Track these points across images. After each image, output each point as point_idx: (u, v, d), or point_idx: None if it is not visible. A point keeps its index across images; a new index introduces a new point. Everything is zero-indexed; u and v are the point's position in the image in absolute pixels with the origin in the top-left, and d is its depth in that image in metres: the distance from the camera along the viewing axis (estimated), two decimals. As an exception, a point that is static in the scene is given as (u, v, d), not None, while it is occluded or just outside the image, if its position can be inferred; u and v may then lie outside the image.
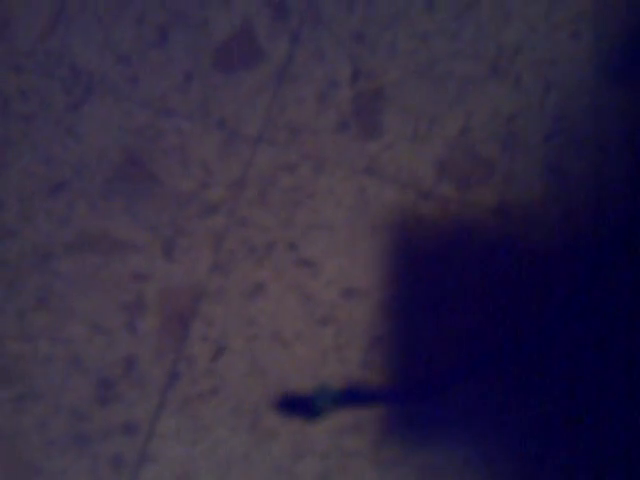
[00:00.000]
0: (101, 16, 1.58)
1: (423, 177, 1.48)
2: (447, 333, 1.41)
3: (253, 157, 1.49)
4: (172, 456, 1.35)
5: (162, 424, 1.36)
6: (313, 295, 1.43)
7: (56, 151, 1.50)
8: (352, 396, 1.36)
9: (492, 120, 1.51)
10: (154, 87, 1.54)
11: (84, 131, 1.51)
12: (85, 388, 1.37)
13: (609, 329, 1.40)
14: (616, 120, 1.51)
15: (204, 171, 1.48)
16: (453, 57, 1.55)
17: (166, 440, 1.35)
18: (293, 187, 1.48)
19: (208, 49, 1.56)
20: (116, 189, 1.48)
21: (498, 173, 1.48)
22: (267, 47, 1.56)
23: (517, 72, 1.54)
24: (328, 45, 1.56)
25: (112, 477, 1.33)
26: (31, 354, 1.38)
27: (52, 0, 1.59)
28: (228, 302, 1.42)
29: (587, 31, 1.58)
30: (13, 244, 1.44)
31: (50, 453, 1.34)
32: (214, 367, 1.39)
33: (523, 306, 1.42)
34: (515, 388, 1.38)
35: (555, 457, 1.35)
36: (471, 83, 1.53)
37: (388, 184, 1.48)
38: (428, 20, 1.58)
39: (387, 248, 1.45)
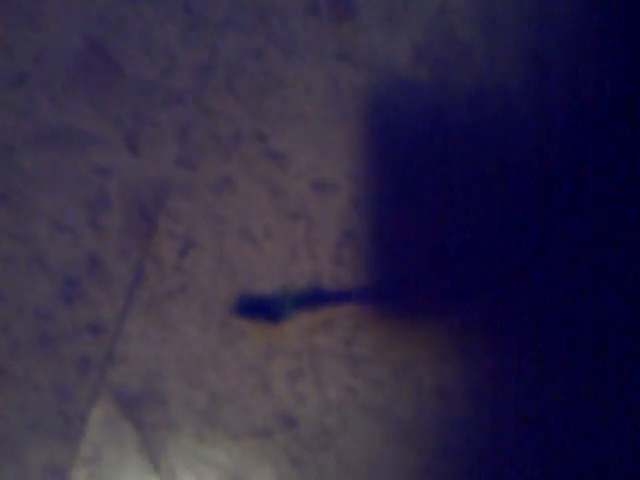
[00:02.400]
0: None
1: (398, 62, 1.41)
2: (419, 228, 1.35)
3: (219, 42, 1.42)
4: (140, 356, 1.31)
5: (129, 324, 1.32)
6: (283, 189, 1.37)
7: (16, 41, 1.43)
8: (318, 297, 1.31)
9: (470, 1, 1.43)
10: (114, -30, 1.45)
11: (45, 19, 1.44)
12: (48, 288, 1.33)
13: (592, 231, 1.35)
14: (593, 3, 1.42)
15: (168, 58, 1.41)
16: None
17: (133, 340, 1.32)
18: (261, 74, 1.41)
19: None
20: (78, 80, 1.41)
21: (476, 57, 1.41)
22: None
23: (495, -52, 1.45)
24: None
25: (78, 378, 1.30)
26: (-8, 253, 1.34)
27: None
28: (195, 197, 1.37)
29: None
30: (-28, 139, 1.39)
31: (14, 354, 1.31)
32: (181, 264, 1.34)
33: (494, 199, 1.37)
34: (486, 281, 1.34)
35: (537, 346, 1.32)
36: (447, -40, 1.45)
37: (361, 69, 1.41)
38: None
39: (359, 138, 1.38)
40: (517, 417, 1.31)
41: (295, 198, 1.37)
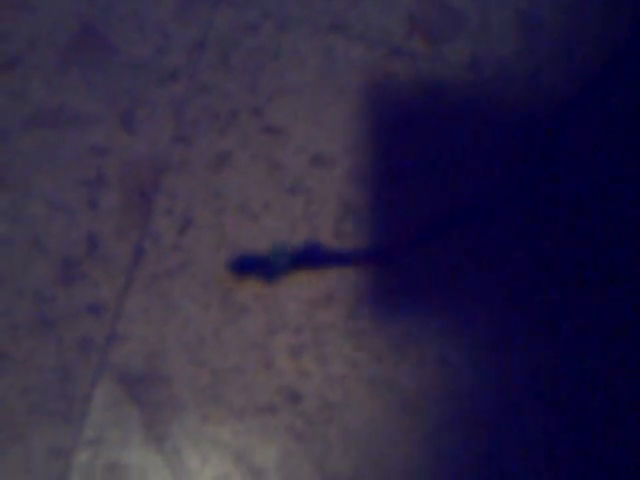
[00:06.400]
0: None
1: (393, 32, 1.40)
2: (418, 199, 1.34)
3: (213, 18, 1.41)
4: (141, 335, 1.31)
5: (129, 303, 1.32)
6: (281, 163, 1.36)
7: (8, 25, 1.42)
8: (314, 255, 1.30)
9: (464, -32, 1.42)
10: (105, -52, 1.44)
11: (36, 2, 1.42)
12: (48, 269, 1.32)
13: (586, 194, 1.34)
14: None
15: (161, 36, 1.40)
16: None
17: (134, 319, 1.31)
18: (256, 49, 1.40)
19: None
20: (71, 61, 1.40)
21: (470, 25, 1.40)
22: None
23: None
24: None
25: (80, 359, 1.30)
26: (-10, 237, 1.33)
27: None
28: (192, 174, 1.36)
29: None
30: (-34, 122, 1.38)
31: (15, 337, 1.30)
32: (181, 242, 1.34)
33: (497, 171, 1.35)
34: (491, 255, 1.33)
35: (536, 320, 1.31)
36: None
37: (356, 42, 1.39)
38: None
39: (356, 111, 1.37)
40: (524, 390, 1.30)
41: (293, 172, 1.36)
